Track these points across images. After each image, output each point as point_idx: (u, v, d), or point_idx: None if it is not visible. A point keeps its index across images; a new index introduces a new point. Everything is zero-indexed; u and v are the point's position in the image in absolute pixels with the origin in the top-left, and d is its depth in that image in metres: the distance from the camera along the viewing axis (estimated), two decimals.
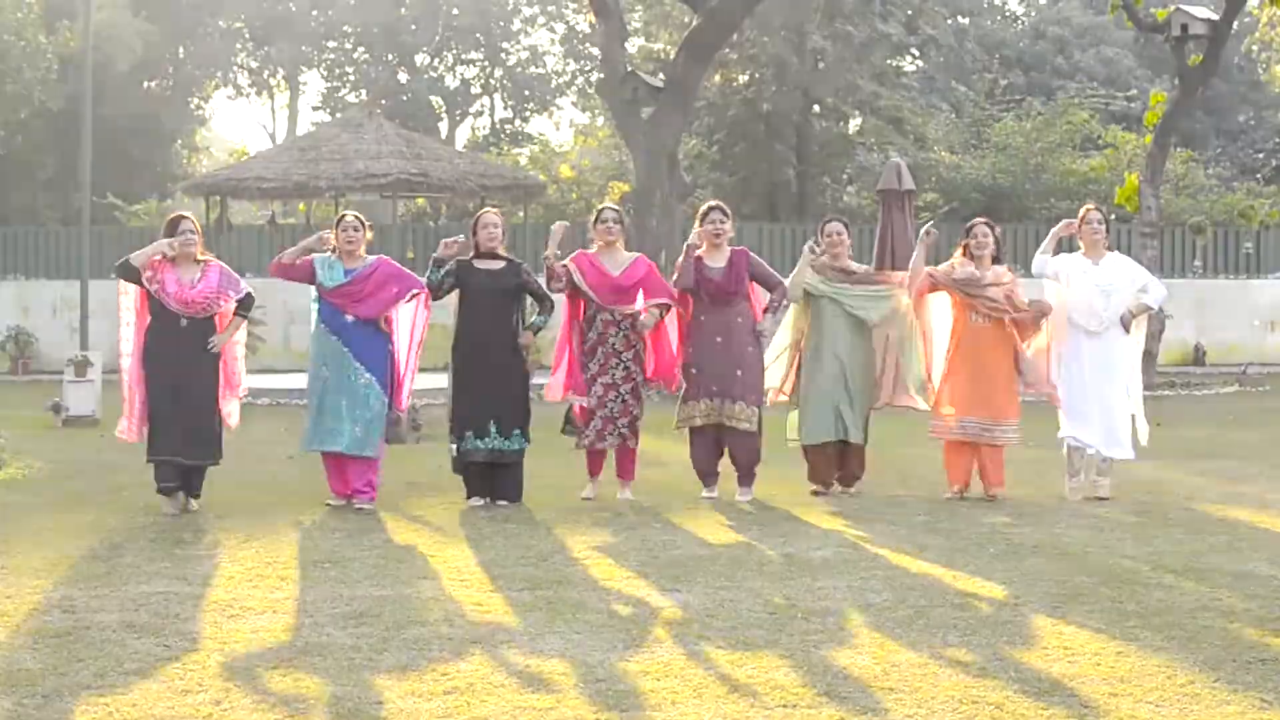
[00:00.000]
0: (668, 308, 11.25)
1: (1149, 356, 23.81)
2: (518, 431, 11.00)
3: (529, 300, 11.32)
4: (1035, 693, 5.89)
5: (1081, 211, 11.54)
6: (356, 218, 11.31)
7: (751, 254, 11.34)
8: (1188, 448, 14.95)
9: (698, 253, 11.22)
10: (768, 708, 5.73)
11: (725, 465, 11.35)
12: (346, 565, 8.64)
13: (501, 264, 11.11)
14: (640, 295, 11.17)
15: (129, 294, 10.85)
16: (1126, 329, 11.27)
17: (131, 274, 10.67)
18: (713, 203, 11.64)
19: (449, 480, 11.27)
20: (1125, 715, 5.64)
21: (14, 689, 5.99)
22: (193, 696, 5.89)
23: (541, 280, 11.29)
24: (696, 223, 11.45)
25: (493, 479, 11.05)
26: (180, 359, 10.61)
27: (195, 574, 8.39)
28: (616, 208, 11.73)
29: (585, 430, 11.24)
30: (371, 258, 11.19)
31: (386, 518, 10.48)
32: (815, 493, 11.52)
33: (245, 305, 10.86)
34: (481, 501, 10.97)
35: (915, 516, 10.40)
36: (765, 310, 11.23)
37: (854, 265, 11.77)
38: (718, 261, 11.16)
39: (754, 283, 11.26)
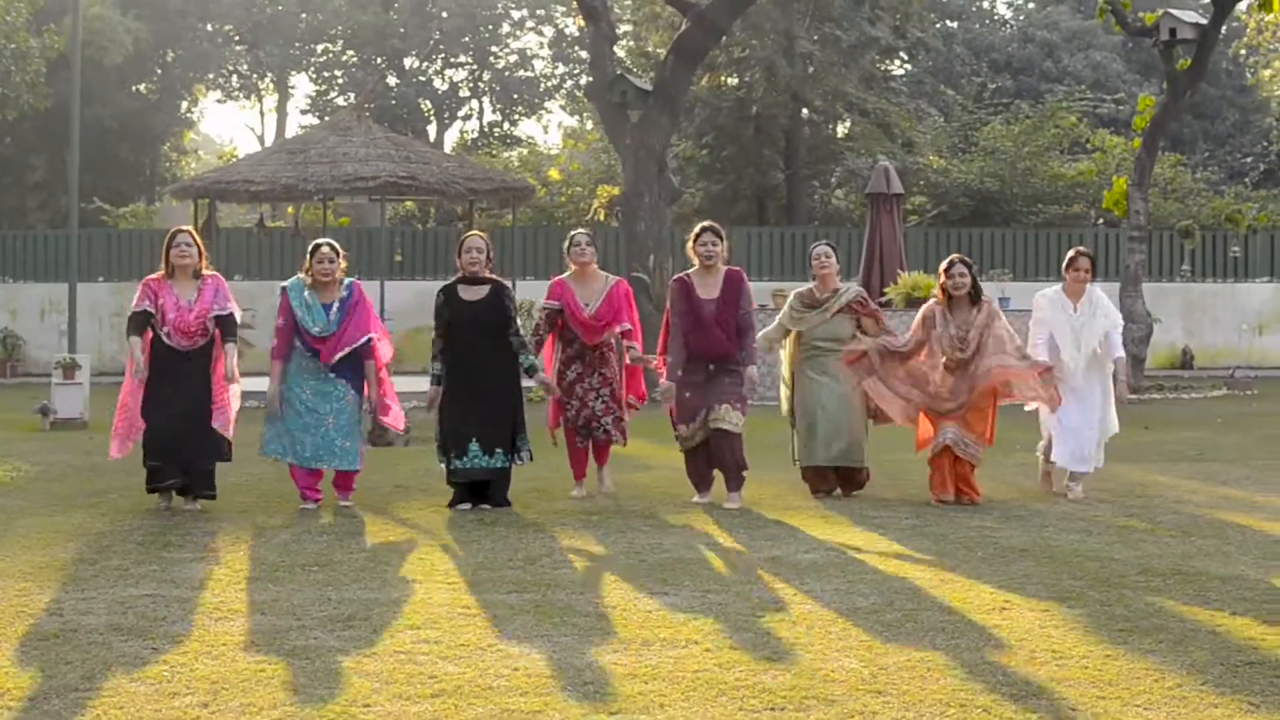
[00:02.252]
0: (629, 330, 11.58)
1: (1137, 361, 23.99)
2: (500, 450, 10.96)
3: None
4: (1023, 695, 5.89)
5: (1071, 253, 11.85)
6: (330, 246, 11.12)
7: (746, 281, 11.26)
8: (1176, 451, 14.99)
9: (688, 273, 11.19)
10: (755, 710, 5.73)
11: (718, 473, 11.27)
12: (334, 568, 8.63)
13: (486, 289, 11.02)
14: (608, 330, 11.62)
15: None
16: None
17: (140, 330, 10.72)
18: (706, 223, 11.37)
19: (437, 483, 11.26)
20: (1113, 718, 5.64)
21: (1, 692, 5.97)
22: (180, 699, 5.87)
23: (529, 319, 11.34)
24: (690, 243, 11.20)
25: (482, 488, 11.03)
26: (176, 382, 10.73)
27: (182, 577, 8.38)
28: (588, 232, 11.83)
29: (578, 431, 11.60)
30: (347, 282, 11.12)
31: (374, 520, 10.48)
32: (818, 496, 11.70)
33: (228, 327, 10.82)
34: (467, 506, 10.94)
35: (903, 520, 10.41)
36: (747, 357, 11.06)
37: (840, 286, 11.74)
38: (710, 291, 11.03)
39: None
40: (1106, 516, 10.57)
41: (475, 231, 11.14)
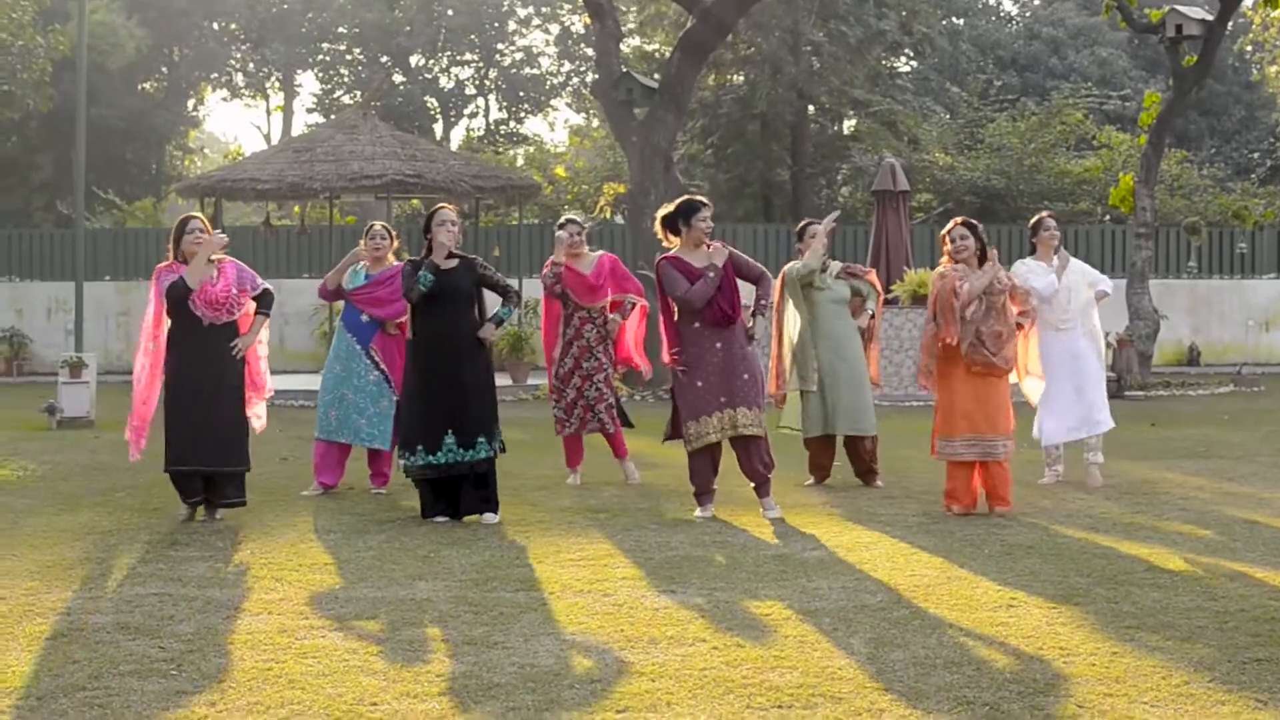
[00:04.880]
0: (634, 304, 12.16)
1: (1144, 358, 23.98)
2: (483, 440, 10.22)
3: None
4: (1030, 693, 5.89)
5: (1037, 217, 12.25)
6: (384, 227, 11.98)
7: (730, 246, 10.54)
8: (1183, 448, 14.98)
9: (674, 253, 10.42)
10: (762, 708, 5.73)
11: (718, 481, 10.73)
12: (341, 566, 8.64)
13: (455, 262, 10.38)
14: (608, 291, 12.04)
15: (149, 306, 10.54)
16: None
17: (185, 294, 10.24)
18: (698, 198, 10.68)
19: None
20: (1120, 715, 5.64)
21: (9, 691, 5.98)
22: (187, 697, 5.88)
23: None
24: (678, 220, 10.40)
25: (458, 493, 10.37)
26: (204, 363, 10.28)
27: (189, 575, 8.39)
28: (578, 219, 12.36)
29: (568, 420, 11.98)
30: (395, 264, 11.76)
31: (381, 518, 10.47)
32: (810, 484, 12.04)
33: (265, 302, 10.61)
34: (444, 520, 10.30)
35: (910, 517, 10.40)
36: (753, 312, 10.46)
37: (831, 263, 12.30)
38: (700, 262, 10.29)
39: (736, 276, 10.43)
40: (1113, 513, 10.56)
41: (444, 205, 10.68)
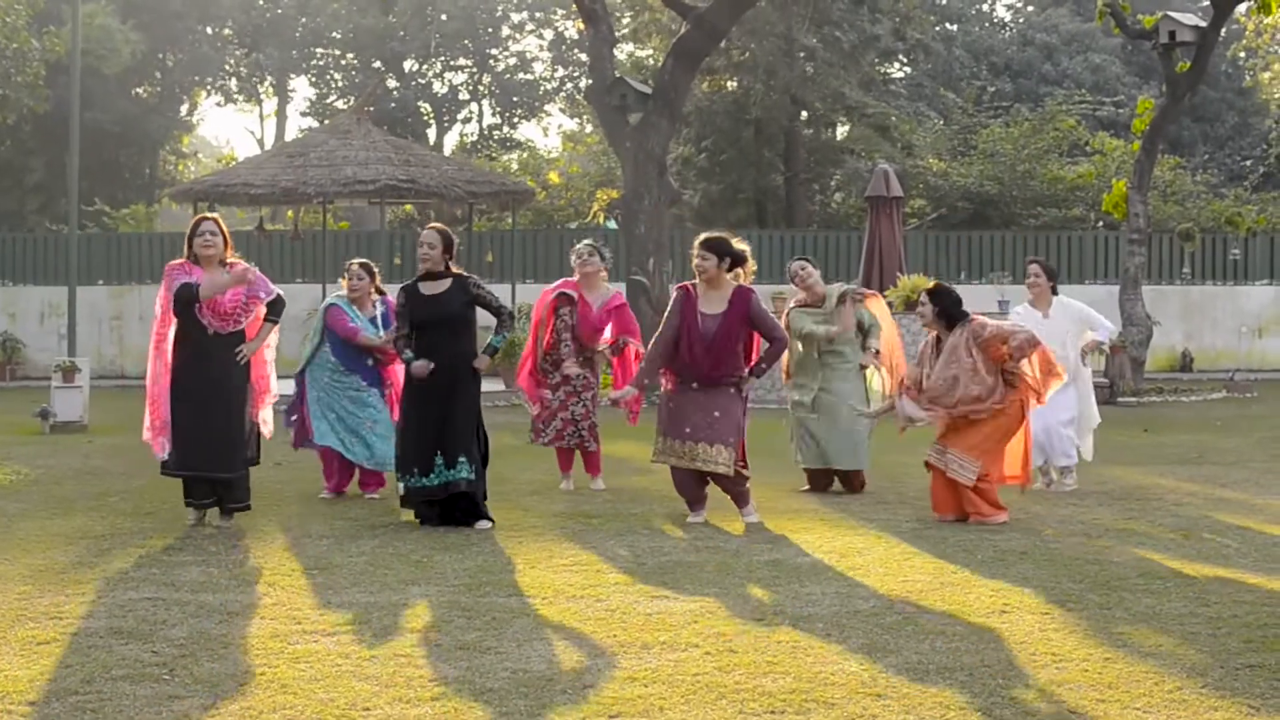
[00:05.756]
0: (625, 343, 12.00)
1: (1137, 364, 24.00)
2: (463, 459, 10.19)
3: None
4: (1023, 699, 5.90)
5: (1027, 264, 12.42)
6: (362, 265, 11.79)
7: (755, 297, 10.36)
8: (1175, 453, 15.00)
9: (695, 283, 10.37)
10: (755, 714, 5.73)
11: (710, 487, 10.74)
12: (334, 571, 8.63)
13: (447, 283, 10.39)
14: (608, 329, 12.04)
15: (158, 305, 10.39)
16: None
17: (192, 300, 10.12)
18: (703, 235, 10.49)
19: None
20: None
21: (1, 695, 5.97)
22: (180, 702, 5.87)
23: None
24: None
25: (450, 508, 10.33)
26: (207, 368, 10.17)
27: (182, 580, 8.38)
28: (594, 244, 12.18)
29: (544, 429, 11.98)
30: (378, 301, 11.74)
31: (374, 523, 10.46)
32: (805, 489, 12.13)
33: (276, 309, 10.46)
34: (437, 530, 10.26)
35: (903, 523, 10.41)
36: (750, 370, 10.35)
37: (827, 288, 12.08)
38: (713, 306, 10.26)
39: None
40: (1106, 519, 10.57)
41: (430, 226, 10.58)
